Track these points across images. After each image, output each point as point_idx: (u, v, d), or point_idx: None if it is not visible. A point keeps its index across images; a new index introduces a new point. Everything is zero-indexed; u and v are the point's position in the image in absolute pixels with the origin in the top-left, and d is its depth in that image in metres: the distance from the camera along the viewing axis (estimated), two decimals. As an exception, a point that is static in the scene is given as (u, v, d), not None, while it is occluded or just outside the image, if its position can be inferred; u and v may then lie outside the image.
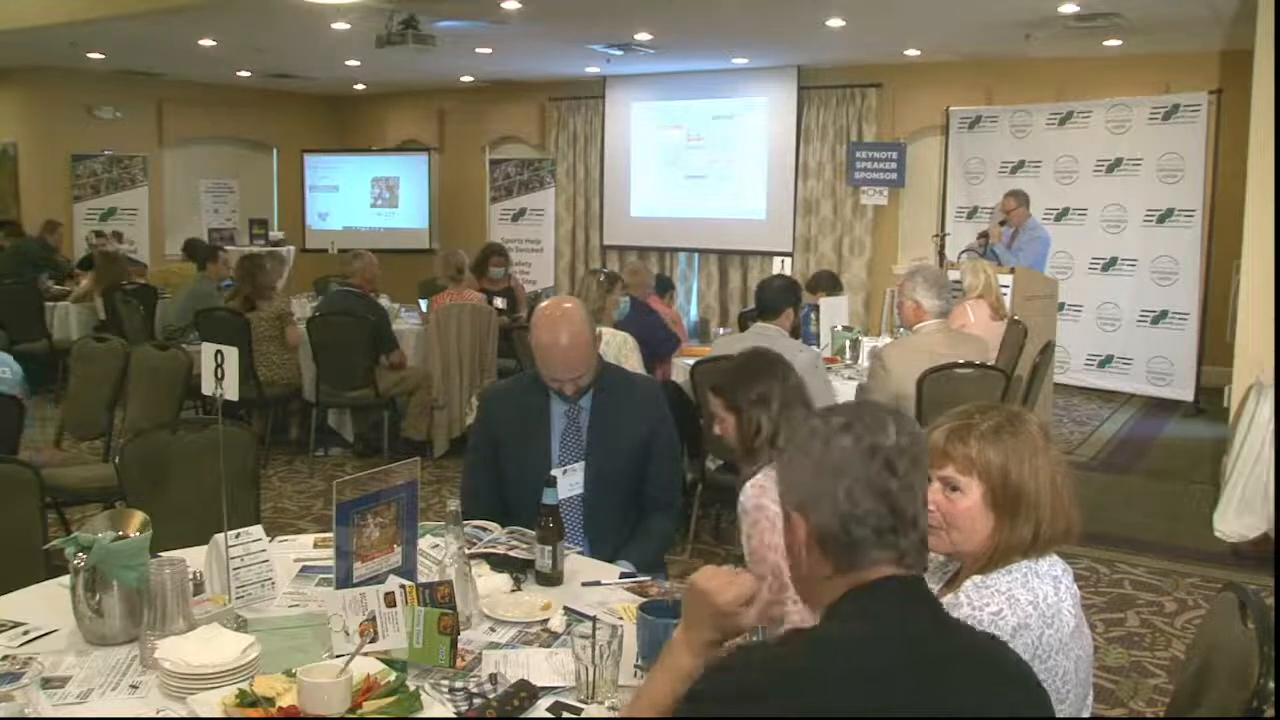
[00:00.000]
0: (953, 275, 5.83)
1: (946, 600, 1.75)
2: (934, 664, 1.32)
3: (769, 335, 4.56)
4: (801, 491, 1.44)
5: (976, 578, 1.73)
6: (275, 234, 12.59)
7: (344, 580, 2.05)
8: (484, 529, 2.59)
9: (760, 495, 2.37)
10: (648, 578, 2.44)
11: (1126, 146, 8.47)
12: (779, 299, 4.73)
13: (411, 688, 1.75)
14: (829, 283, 6.57)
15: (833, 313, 6.07)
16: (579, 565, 2.44)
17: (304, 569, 2.39)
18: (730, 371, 2.65)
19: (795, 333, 4.83)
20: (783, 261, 9.06)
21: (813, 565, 1.44)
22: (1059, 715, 1.62)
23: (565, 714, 1.75)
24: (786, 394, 2.53)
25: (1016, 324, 5.73)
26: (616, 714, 1.75)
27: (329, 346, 6.29)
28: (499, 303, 7.13)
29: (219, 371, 2.16)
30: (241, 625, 2.04)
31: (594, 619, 1.84)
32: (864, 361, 5.39)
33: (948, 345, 4.46)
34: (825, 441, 1.42)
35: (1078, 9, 7.16)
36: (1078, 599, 1.76)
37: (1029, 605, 1.68)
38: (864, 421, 1.42)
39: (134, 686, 1.82)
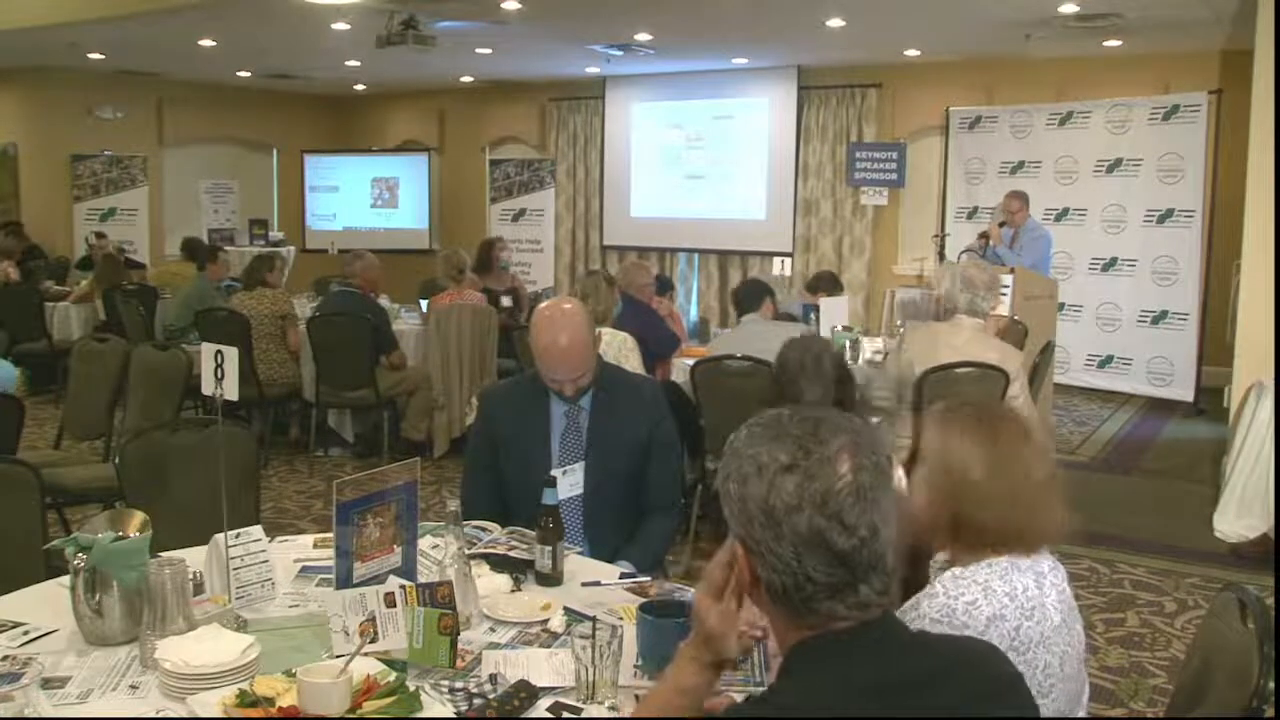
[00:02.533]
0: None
1: (924, 590, 1.76)
2: (906, 689, 1.24)
3: (760, 323, 5.17)
4: (750, 531, 1.28)
5: (955, 569, 1.75)
6: (275, 234, 12.59)
7: (344, 580, 2.05)
8: (484, 529, 2.59)
9: None
10: (648, 578, 2.43)
11: (1126, 146, 8.47)
12: (754, 293, 5.38)
13: (411, 688, 1.74)
14: (829, 283, 6.58)
15: (833, 313, 6.08)
16: (579, 565, 2.43)
17: (304, 569, 2.38)
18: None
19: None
20: (783, 262, 9.04)
21: (761, 604, 1.32)
22: (1043, 710, 1.62)
23: (565, 714, 1.74)
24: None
25: (1017, 324, 5.73)
26: (616, 714, 1.75)
27: (329, 346, 6.28)
28: (505, 301, 7.13)
29: (219, 371, 2.16)
30: (241, 625, 2.03)
31: (594, 619, 1.83)
32: (863, 361, 5.40)
33: (968, 342, 4.35)
34: (770, 484, 1.25)
35: (1078, 9, 7.16)
36: (1065, 595, 1.75)
37: (1005, 597, 1.69)
38: (813, 456, 1.25)
39: (134, 686, 1.81)
